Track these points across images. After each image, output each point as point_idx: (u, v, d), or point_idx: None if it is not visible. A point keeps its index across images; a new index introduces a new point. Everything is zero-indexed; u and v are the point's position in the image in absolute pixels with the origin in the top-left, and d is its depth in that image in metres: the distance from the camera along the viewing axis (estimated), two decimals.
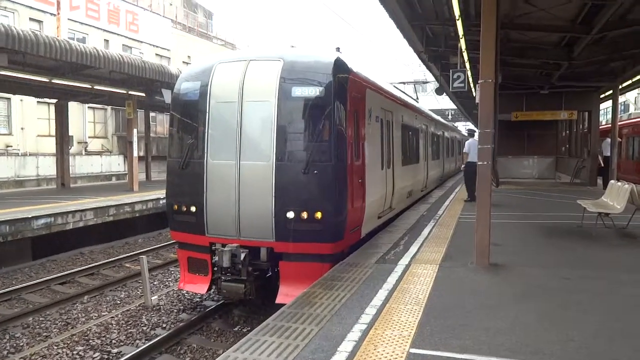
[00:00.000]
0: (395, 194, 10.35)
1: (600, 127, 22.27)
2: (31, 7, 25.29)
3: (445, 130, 22.97)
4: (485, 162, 6.49)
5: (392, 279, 5.87)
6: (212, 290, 7.76)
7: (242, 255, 6.75)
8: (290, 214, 6.67)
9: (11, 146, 24.11)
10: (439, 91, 20.20)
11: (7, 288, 9.32)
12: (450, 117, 51.52)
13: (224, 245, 6.90)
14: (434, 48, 15.13)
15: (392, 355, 3.73)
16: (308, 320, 4.53)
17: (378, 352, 3.81)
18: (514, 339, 4.04)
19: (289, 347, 3.92)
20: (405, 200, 12.14)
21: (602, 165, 18.69)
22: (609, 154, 18.02)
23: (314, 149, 6.74)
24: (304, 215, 6.65)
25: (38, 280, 9.76)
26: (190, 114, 7.47)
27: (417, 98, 19.62)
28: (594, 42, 12.91)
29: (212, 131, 7.15)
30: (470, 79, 15.23)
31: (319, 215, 6.64)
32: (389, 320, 4.50)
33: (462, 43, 12.09)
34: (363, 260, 6.85)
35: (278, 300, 6.68)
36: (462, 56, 13.34)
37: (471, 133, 15.85)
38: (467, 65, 13.96)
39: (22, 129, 24.65)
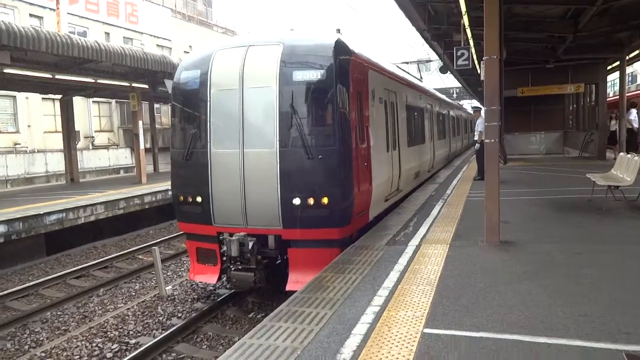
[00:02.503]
0: (402, 175, 10.26)
1: (608, 99, 22.00)
2: (31, 4, 25.22)
3: (450, 109, 22.63)
4: (492, 140, 6.46)
5: (403, 260, 5.90)
6: (223, 280, 7.81)
7: (250, 244, 6.73)
8: (297, 201, 6.63)
9: (19, 144, 24.27)
10: (443, 70, 20.06)
11: (25, 284, 9.48)
12: (455, 95, 51.13)
13: (231, 235, 6.90)
14: (436, 26, 14.98)
15: (406, 336, 3.78)
16: (321, 304, 4.58)
17: (392, 333, 3.85)
18: (527, 316, 4.06)
19: (304, 332, 3.97)
20: (412, 181, 12.03)
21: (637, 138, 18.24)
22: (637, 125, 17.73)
23: (317, 133, 6.71)
24: (311, 201, 6.61)
25: (54, 275, 9.91)
26: (191, 104, 7.37)
27: (421, 77, 19.23)
28: (599, 12, 12.71)
29: (214, 120, 7.07)
30: (475, 56, 15.05)
31: (325, 200, 6.60)
32: (402, 301, 4.54)
33: (465, 20, 11.93)
34: (373, 243, 6.88)
35: (288, 288, 6.68)
36: (466, 33, 13.18)
37: (476, 109, 15.72)
38: (471, 42, 13.79)
39: (28, 126, 24.78)
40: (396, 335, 3.80)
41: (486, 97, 6.54)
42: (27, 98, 23.83)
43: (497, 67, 6.52)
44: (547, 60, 19.26)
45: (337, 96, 6.69)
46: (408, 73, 15.05)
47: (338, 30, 8.34)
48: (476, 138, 13.64)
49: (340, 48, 6.97)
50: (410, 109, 11.91)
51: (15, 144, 24.12)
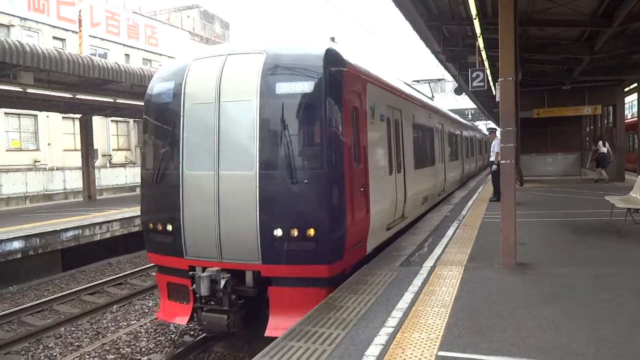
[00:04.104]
0: (407, 200, 9.36)
1: (626, 121, 21.76)
2: (54, 26, 26.04)
3: (463, 129, 21.78)
4: (508, 161, 6.42)
5: (417, 282, 5.83)
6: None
7: (223, 282, 5.78)
8: (278, 232, 5.78)
9: (39, 161, 24.79)
10: (457, 91, 20.07)
11: (40, 299, 9.57)
12: (470, 116, 51.07)
13: (204, 269, 6.02)
14: (451, 48, 15.04)
15: (420, 359, 3.71)
16: (335, 324, 4.53)
17: (406, 355, 3.79)
18: (545, 340, 3.97)
19: (316, 352, 3.93)
20: (420, 206, 11.12)
21: None
22: None
23: (303, 154, 5.92)
24: (294, 232, 5.76)
25: (69, 291, 9.99)
26: (163, 119, 6.58)
27: (433, 96, 18.93)
28: (615, 34, 12.68)
29: (187, 137, 6.26)
30: (490, 78, 15.07)
31: (311, 232, 5.74)
32: (416, 323, 4.47)
33: (480, 42, 11.99)
34: (387, 263, 6.81)
35: (267, 334, 5.80)
36: (481, 55, 13.23)
37: (492, 130, 15.66)
38: (486, 63, 13.83)
39: (49, 144, 25.34)
40: (410, 358, 3.74)
41: (502, 118, 6.52)
42: (47, 117, 24.42)
43: (512, 88, 6.51)
44: (563, 82, 19.19)
45: (326, 112, 5.89)
46: (418, 91, 14.42)
47: (332, 39, 7.62)
48: (492, 159, 13.56)
49: (331, 57, 6.17)
50: (418, 128, 11.11)
51: (35, 162, 24.63)
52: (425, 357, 3.73)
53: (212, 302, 6.06)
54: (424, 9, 12.24)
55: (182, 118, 6.30)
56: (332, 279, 6.01)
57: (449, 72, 20.01)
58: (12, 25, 24.02)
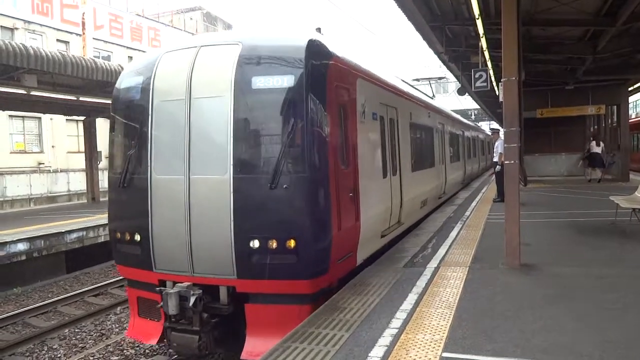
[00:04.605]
0: (404, 205, 8.75)
1: (630, 120, 21.69)
2: (58, 29, 26.16)
3: (465, 129, 21.12)
4: (512, 161, 6.40)
5: (421, 283, 5.81)
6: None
7: (193, 299, 5.21)
8: (255, 243, 5.22)
9: (43, 163, 24.89)
10: (461, 91, 19.99)
11: (44, 301, 9.59)
12: (473, 116, 51.00)
13: (175, 284, 5.48)
14: (454, 48, 15.02)
15: None
16: (338, 325, 4.52)
17: (410, 356, 3.78)
18: (550, 341, 3.95)
19: (320, 354, 3.92)
20: (418, 211, 10.54)
21: None
22: None
23: (282, 156, 5.26)
24: (273, 244, 5.20)
25: (73, 293, 10.02)
26: (131, 117, 6.04)
27: (434, 96, 18.61)
28: (619, 34, 12.63)
29: (156, 138, 5.70)
30: (493, 78, 15.04)
31: (292, 243, 5.18)
32: (420, 324, 4.46)
33: (483, 42, 11.97)
34: (391, 265, 6.80)
35: (243, 356, 5.34)
36: (484, 55, 13.21)
37: (496, 131, 15.63)
38: (489, 64, 13.81)
39: (52, 146, 25.44)
40: (414, 359, 3.73)
41: (505, 118, 6.51)
42: (51, 119, 24.52)
43: (515, 88, 6.49)
44: (566, 82, 19.14)
45: (309, 109, 5.32)
46: (417, 89, 13.81)
47: (318, 30, 7.15)
48: (495, 159, 13.54)
49: (315, 49, 5.62)
50: (416, 127, 10.49)
51: (39, 164, 24.74)
52: (430, 359, 3.72)
53: (183, 321, 5.47)
54: (427, 10, 12.24)
55: (150, 116, 5.74)
56: (314, 296, 5.45)
57: (451, 72, 20.00)
58: (16, 28, 24.15)
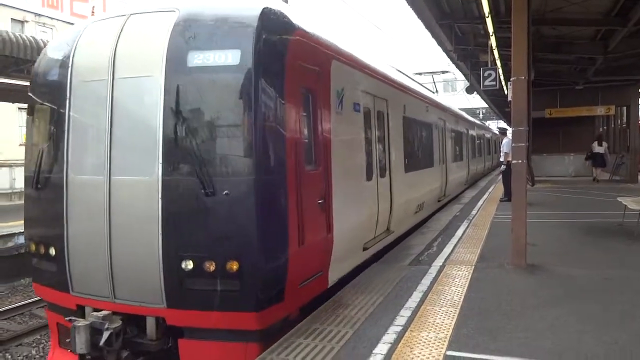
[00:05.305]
0: (394, 211, 7.72)
1: None
2: (68, 22, 26.28)
3: (470, 127, 19.82)
4: (520, 161, 6.38)
5: (426, 281, 5.81)
6: None
7: (106, 335, 4.13)
8: (188, 264, 4.18)
9: None
10: (469, 90, 19.95)
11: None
12: (481, 115, 50.81)
13: (96, 311, 4.40)
14: (463, 47, 14.99)
15: (428, 358, 3.70)
16: (343, 322, 4.53)
17: (414, 354, 3.79)
18: (555, 342, 3.94)
19: (324, 350, 3.93)
20: (412, 216, 9.48)
21: None
22: None
23: (223, 154, 4.28)
24: (210, 266, 4.14)
25: None
26: (47, 101, 4.96)
27: (437, 91, 17.76)
28: (630, 34, 12.52)
29: (74, 128, 4.63)
30: (502, 77, 14.97)
31: (234, 265, 4.12)
32: (425, 322, 4.46)
33: (493, 40, 11.91)
34: (396, 263, 6.80)
35: None
36: (493, 54, 13.16)
37: (503, 131, 15.59)
38: (498, 62, 13.75)
39: None
40: (418, 357, 3.73)
41: (514, 117, 6.48)
42: None
43: (524, 88, 6.46)
44: (576, 82, 19.03)
45: (259, 93, 4.23)
46: (417, 82, 12.84)
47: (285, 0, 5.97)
48: (502, 159, 13.50)
49: (271, 20, 4.53)
50: (411, 123, 9.34)
51: None
52: (434, 357, 3.72)
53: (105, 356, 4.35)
54: (436, 8, 12.20)
55: (68, 100, 4.66)
56: (264, 332, 4.37)
57: (460, 71, 19.94)
58: (27, 21, 24.32)
